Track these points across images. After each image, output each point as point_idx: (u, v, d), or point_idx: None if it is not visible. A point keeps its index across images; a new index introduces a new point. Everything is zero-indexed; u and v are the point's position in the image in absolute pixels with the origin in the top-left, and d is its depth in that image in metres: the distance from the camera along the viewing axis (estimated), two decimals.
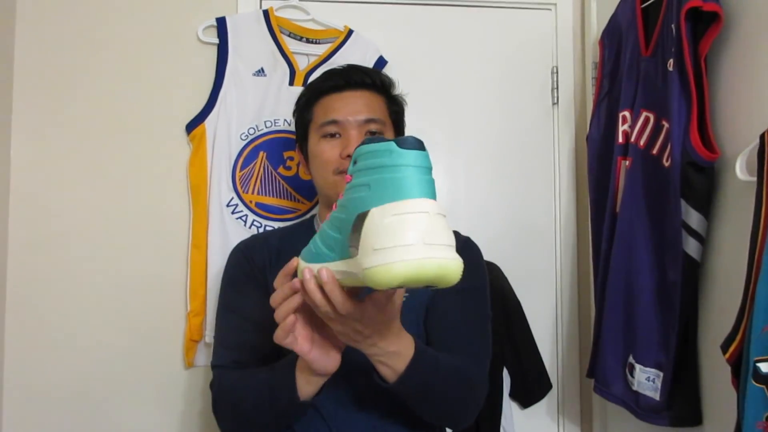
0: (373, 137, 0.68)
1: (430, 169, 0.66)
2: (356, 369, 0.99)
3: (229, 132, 1.56)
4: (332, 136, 1.11)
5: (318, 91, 1.16)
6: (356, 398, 1.05)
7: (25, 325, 1.53)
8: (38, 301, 1.54)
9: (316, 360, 0.85)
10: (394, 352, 0.86)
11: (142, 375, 1.56)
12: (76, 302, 1.55)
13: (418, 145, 0.65)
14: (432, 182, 0.65)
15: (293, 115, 1.23)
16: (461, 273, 0.63)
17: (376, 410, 1.05)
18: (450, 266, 0.61)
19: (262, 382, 0.97)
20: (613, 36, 1.48)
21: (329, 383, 0.95)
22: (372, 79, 1.16)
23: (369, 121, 1.11)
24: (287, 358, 0.93)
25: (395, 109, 1.20)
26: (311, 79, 1.57)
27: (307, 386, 0.90)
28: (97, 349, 1.54)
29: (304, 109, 1.18)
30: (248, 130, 1.57)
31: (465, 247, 1.15)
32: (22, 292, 1.54)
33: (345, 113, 1.11)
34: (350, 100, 1.13)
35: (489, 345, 1.09)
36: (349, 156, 1.07)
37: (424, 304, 1.08)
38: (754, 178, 0.97)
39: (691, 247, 1.14)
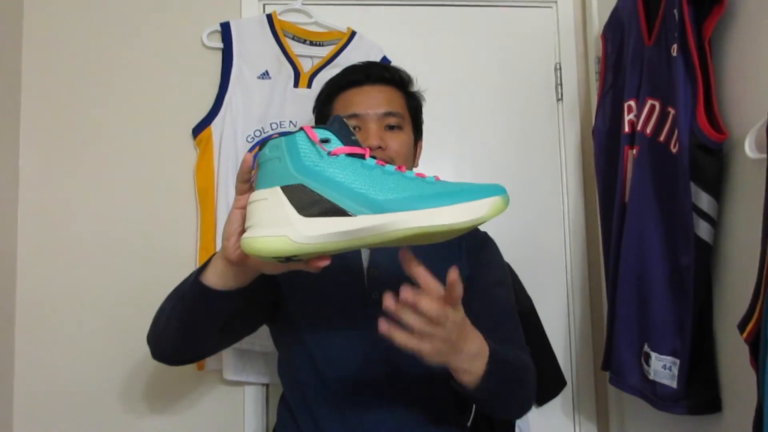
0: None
1: (264, 162, 0.77)
2: (375, 359, 1.01)
3: (235, 135, 1.57)
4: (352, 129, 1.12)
5: (338, 86, 1.17)
6: (377, 391, 1.04)
7: (35, 331, 1.53)
8: (47, 307, 1.54)
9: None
10: (476, 353, 0.83)
11: (153, 379, 1.55)
12: (86, 307, 1.55)
13: (266, 141, 0.79)
14: (261, 175, 0.77)
15: (313, 112, 1.23)
16: (260, 246, 0.72)
17: (396, 404, 1.04)
18: (244, 243, 0.74)
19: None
20: (615, 29, 1.48)
21: (348, 369, 0.98)
22: (391, 75, 1.17)
23: (388, 114, 1.12)
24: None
25: (413, 104, 1.20)
26: (316, 80, 1.59)
27: (213, 273, 0.86)
28: (107, 354, 1.54)
29: (324, 104, 1.18)
30: (254, 132, 1.57)
31: (483, 243, 1.18)
32: (32, 297, 1.54)
33: (365, 106, 1.11)
34: (370, 94, 1.13)
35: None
36: (369, 148, 1.08)
37: None
38: (764, 155, 0.96)
39: (703, 230, 1.13)
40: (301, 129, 0.76)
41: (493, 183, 0.74)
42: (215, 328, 0.93)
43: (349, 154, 0.75)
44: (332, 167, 0.74)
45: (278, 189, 0.74)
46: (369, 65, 1.21)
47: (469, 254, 1.13)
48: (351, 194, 0.72)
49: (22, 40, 1.59)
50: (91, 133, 1.59)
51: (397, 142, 1.11)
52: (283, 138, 0.76)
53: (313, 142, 0.75)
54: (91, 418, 1.53)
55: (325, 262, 0.77)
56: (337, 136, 0.76)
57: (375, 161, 0.76)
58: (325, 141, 0.75)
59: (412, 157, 1.17)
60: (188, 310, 0.90)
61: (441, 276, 1.08)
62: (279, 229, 0.72)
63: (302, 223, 0.72)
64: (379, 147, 1.08)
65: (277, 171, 0.75)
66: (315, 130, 0.76)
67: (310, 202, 0.72)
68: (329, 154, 0.75)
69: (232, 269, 0.84)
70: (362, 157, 0.76)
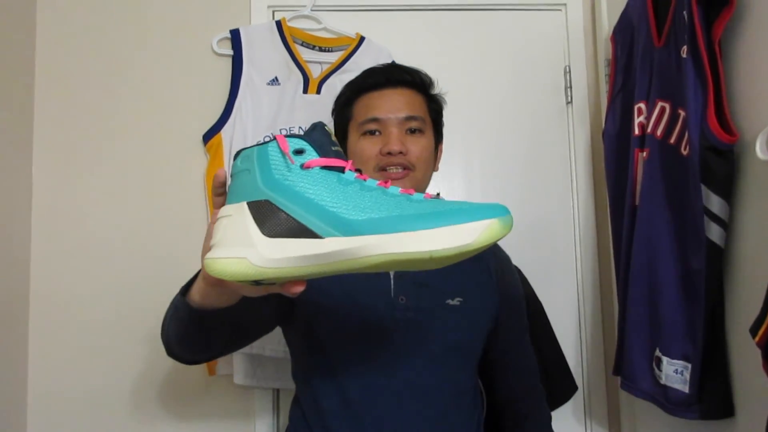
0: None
1: (235, 174, 0.70)
2: (397, 366, 1.00)
3: (245, 141, 1.58)
4: (372, 133, 1.10)
5: (358, 88, 1.15)
6: (396, 399, 1.02)
7: (49, 334, 1.55)
8: (60, 310, 1.56)
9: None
10: None
11: (165, 383, 1.56)
12: (98, 310, 1.57)
13: (240, 152, 0.72)
14: (231, 188, 0.70)
15: (332, 114, 1.21)
16: (220, 269, 0.63)
17: (416, 414, 1.02)
18: (205, 264, 0.65)
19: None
20: (625, 32, 1.48)
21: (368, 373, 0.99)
22: (412, 77, 1.15)
23: (409, 118, 1.10)
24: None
25: (435, 107, 1.19)
26: (325, 86, 1.60)
27: (196, 291, 0.81)
28: (119, 358, 1.56)
29: (344, 107, 1.17)
30: (264, 138, 1.58)
31: (507, 272, 1.21)
32: (45, 300, 1.56)
33: (385, 111, 1.10)
34: (390, 98, 1.12)
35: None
36: (389, 153, 1.07)
37: (484, 312, 1.10)
38: None
39: (714, 233, 1.12)
40: (274, 138, 0.69)
41: (495, 203, 0.63)
42: (215, 338, 0.90)
43: (325, 167, 0.67)
44: (303, 182, 0.65)
45: (244, 204, 0.66)
46: (390, 67, 1.19)
47: (498, 281, 1.13)
48: (321, 213, 0.63)
49: (35, 47, 1.62)
50: (103, 139, 1.61)
51: (419, 146, 1.10)
52: (255, 148, 0.69)
53: (284, 153, 0.67)
54: (103, 420, 1.54)
55: (300, 288, 0.67)
56: (313, 147, 0.68)
57: (354, 175, 0.67)
58: (299, 152, 0.67)
59: (433, 161, 1.16)
60: (182, 324, 0.86)
61: (477, 305, 1.08)
62: (239, 250, 0.63)
63: (265, 245, 0.63)
64: (401, 152, 1.07)
65: (246, 184, 0.67)
66: (288, 140, 0.68)
67: (275, 221, 0.64)
68: (302, 166, 0.66)
69: (210, 289, 0.77)
70: (341, 170, 0.67)
